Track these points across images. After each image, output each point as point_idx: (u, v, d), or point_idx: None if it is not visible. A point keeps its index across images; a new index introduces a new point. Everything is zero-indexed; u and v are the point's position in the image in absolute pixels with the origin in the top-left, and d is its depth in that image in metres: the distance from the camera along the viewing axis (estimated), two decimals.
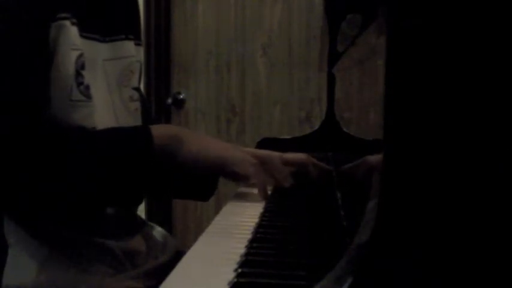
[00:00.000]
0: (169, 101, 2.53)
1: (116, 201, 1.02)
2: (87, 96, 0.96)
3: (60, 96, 0.93)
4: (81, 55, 0.95)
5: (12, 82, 0.90)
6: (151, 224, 1.20)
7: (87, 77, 0.96)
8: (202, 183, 1.15)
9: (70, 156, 0.89)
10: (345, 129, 1.17)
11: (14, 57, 0.90)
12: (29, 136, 0.88)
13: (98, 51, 1.01)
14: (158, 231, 1.19)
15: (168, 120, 2.56)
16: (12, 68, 0.90)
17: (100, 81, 1.02)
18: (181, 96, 2.54)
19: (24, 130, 0.88)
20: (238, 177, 1.02)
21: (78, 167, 0.90)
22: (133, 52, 1.10)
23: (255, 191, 1.06)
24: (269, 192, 1.08)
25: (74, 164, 0.90)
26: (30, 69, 0.91)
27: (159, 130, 0.96)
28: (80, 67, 0.95)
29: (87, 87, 0.96)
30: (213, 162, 0.99)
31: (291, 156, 1.15)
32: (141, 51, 1.16)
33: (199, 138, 1.02)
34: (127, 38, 1.08)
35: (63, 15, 0.93)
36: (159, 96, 2.53)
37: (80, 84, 0.95)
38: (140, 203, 1.01)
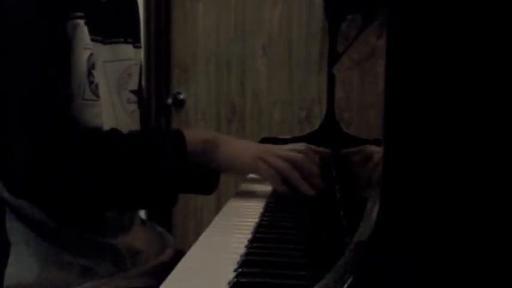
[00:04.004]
0: (169, 101, 2.53)
1: (147, 205, 1.06)
2: (97, 95, 0.97)
3: (74, 95, 0.94)
4: (91, 54, 0.96)
5: (35, 79, 0.90)
6: (152, 223, 1.21)
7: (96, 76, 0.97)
8: (207, 177, 1.16)
9: (103, 159, 0.91)
10: (344, 129, 1.17)
11: (34, 55, 0.90)
12: (60, 139, 0.89)
13: (99, 53, 1.02)
14: (158, 231, 1.19)
15: (168, 120, 2.56)
16: (34, 65, 0.90)
17: (100, 82, 1.03)
18: (181, 96, 2.54)
19: (54, 133, 0.89)
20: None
21: (110, 170, 0.91)
22: (131, 55, 1.10)
23: (256, 189, 1.08)
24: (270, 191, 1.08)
25: (107, 167, 0.91)
26: (51, 66, 0.92)
27: (193, 135, 0.99)
28: (91, 66, 0.96)
29: (97, 87, 0.97)
30: (245, 170, 1.08)
31: (288, 147, 1.14)
32: (141, 53, 1.16)
33: (233, 144, 1.05)
34: (125, 41, 1.09)
35: (78, 14, 0.94)
36: (159, 96, 2.53)
37: (91, 83, 0.96)
38: (173, 206, 1.03)
